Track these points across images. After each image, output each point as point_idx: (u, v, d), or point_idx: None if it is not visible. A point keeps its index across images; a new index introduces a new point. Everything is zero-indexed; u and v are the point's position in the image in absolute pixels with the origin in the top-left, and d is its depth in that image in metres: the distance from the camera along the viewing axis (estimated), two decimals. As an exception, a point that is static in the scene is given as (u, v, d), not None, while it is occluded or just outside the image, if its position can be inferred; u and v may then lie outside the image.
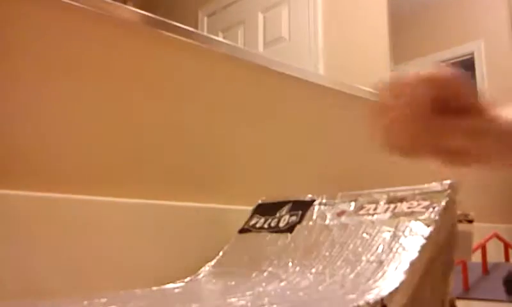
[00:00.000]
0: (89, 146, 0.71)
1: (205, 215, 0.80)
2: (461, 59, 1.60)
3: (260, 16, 1.02)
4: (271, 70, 0.97)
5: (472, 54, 1.62)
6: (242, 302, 0.53)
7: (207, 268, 0.72)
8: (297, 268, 0.61)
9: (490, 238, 0.88)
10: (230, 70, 0.90)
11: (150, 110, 0.79)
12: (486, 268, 0.84)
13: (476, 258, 0.86)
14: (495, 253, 1.04)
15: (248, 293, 0.59)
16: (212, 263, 0.73)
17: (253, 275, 0.65)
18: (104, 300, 0.55)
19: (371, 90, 1.16)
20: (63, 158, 0.69)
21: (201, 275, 0.71)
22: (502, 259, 0.96)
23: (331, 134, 1.07)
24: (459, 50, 1.59)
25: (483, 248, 0.85)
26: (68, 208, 0.66)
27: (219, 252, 0.74)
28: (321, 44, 1.11)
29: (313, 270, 0.59)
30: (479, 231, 1.19)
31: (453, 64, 1.54)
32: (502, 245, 0.92)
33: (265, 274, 0.64)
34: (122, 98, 0.76)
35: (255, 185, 0.91)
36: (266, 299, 0.54)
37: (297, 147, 0.99)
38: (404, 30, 1.38)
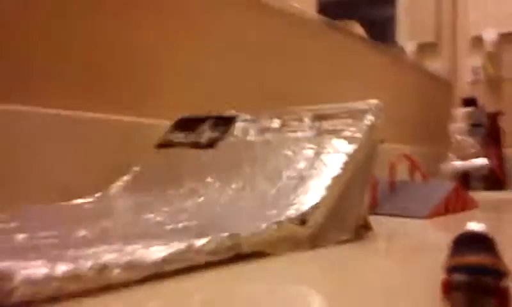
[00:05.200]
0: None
1: (120, 127, 0.75)
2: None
3: None
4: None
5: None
6: (159, 219, 0.51)
7: (119, 183, 0.68)
8: (217, 184, 0.60)
9: (400, 158, 0.92)
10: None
11: (60, 13, 0.69)
12: (393, 186, 0.88)
13: (384, 174, 0.90)
14: (402, 172, 1.10)
15: (164, 209, 0.56)
16: (126, 178, 0.69)
17: (171, 191, 0.63)
18: (3, 216, 0.50)
19: (296, 5, 1.12)
20: None
21: (114, 190, 0.67)
22: (408, 178, 1.02)
23: (258, 52, 1.03)
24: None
25: (393, 166, 0.89)
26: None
27: (134, 166, 0.70)
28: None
29: (234, 186, 0.58)
30: (390, 151, 1.25)
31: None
32: (408, 165, 0.97)
33: (183, 189, 0.62)
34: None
35: (177, 99, 0.86)
36: (185, 215, 0.52)
37: (222, 64, 0.95)
38: None
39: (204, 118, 0.73)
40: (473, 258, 0.24)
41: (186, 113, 0.77)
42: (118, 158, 0.73)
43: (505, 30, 1.80)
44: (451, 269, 0.25)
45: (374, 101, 0.57)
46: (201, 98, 0.90)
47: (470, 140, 1.37)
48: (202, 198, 0.58)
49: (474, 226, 0.29)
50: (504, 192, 1.50)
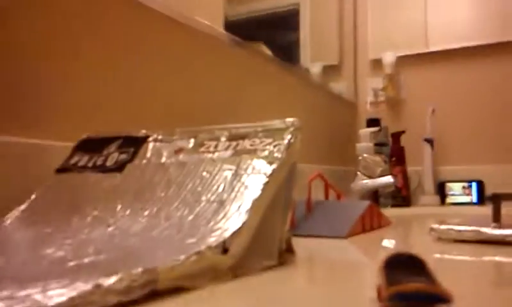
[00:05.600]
0: None
1: (15, 150, 0.67)
2: (286, 8, 1.60)
3: None
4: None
5: (298, 4, 1.65)
6: (60, 254, 0.45)
7: (14, 213, 0.60)
8: (128, 212, 0.54)
9: (315, 177, 0.92)
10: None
11: None
12: (310, 206, 0.88)
13: (300, 196, 0.90)
14: (317, 191, 1.11)
15: (67, 241, 0.50)
16: (22, 207, 0.61)
17: (74, 220, 0.56)
18: None
19: (204, 22, 1.10)
20: None
21: (8, 222, 0.59)
22: (323, 197, 1.03)
23: (166, 69, 0.98)
24: (285, 0, 1.60)
25: (309, 187, 0.89)
26: None
27: (30, 195, 0.63)
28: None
29: (146, 213, 0.53)
30: (304, 170, 1.26)
31: (277, 14, 1.53)
32: (324, 184, 0.98)
33: (88, 218, 0.56)
34: None
35: (80, 119, 0.79)
36: (91, 248, 0.46)
37: (128, 81, 0.89)
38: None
39: (110, 139, 0.67)
40: (414, 285, 0.23)
41: (90, 133, 0.71)
42: (12, 185, 0.65)
43: (402, 53, 1.93)
44: (393, 297, 0.23)
45: (291, 119, 0.56)
46: (106, 117, 0.84)
47: (376, 159, 1.43)
48: (111, 228, 0.52)
49: (388, 243, 0.28)
50: (409, 208, 1.59)
